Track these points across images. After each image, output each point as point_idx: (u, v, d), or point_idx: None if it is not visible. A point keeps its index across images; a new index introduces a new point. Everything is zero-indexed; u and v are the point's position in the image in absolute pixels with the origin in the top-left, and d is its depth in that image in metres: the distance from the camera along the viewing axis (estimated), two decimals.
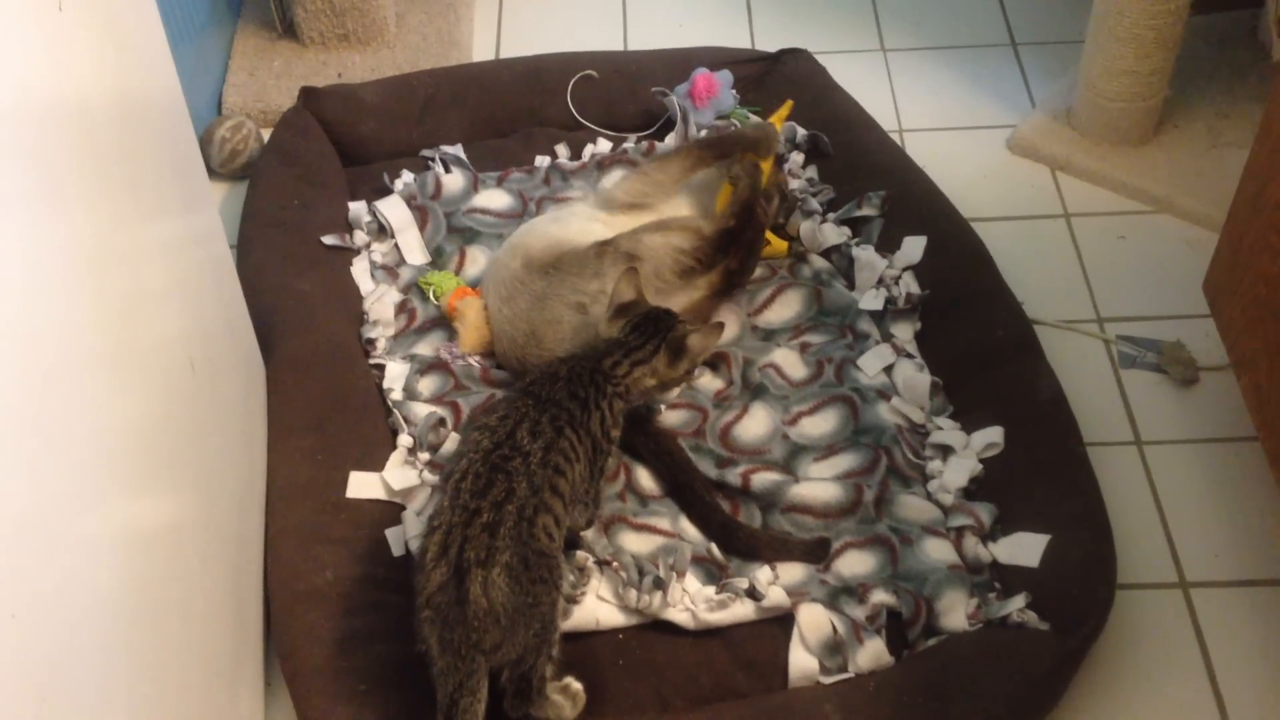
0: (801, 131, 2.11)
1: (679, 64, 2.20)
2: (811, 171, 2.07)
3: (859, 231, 1.96)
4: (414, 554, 1.57)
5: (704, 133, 2.08)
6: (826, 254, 1.95)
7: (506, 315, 1.77)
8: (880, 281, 1.87)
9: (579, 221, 1.83)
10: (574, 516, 1.49)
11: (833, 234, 1.95)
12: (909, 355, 1.80)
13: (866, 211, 1.96)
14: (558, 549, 1.40)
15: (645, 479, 1.66)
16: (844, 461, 1.68)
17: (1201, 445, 1.77)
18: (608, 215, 1.86)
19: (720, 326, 1.62)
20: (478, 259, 1.96)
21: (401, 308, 1.90)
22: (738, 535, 1.60)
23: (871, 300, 1.85)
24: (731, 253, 1.80)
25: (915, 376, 1.76)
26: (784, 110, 2.01)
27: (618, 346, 1.56)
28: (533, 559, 1.34)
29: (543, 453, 1.40)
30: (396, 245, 1.99)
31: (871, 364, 1.79)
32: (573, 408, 1.47)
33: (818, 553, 1.58)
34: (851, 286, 1.90)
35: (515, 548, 1.33)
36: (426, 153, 2.13)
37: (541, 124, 2.19)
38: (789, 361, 1.80)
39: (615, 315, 1.60)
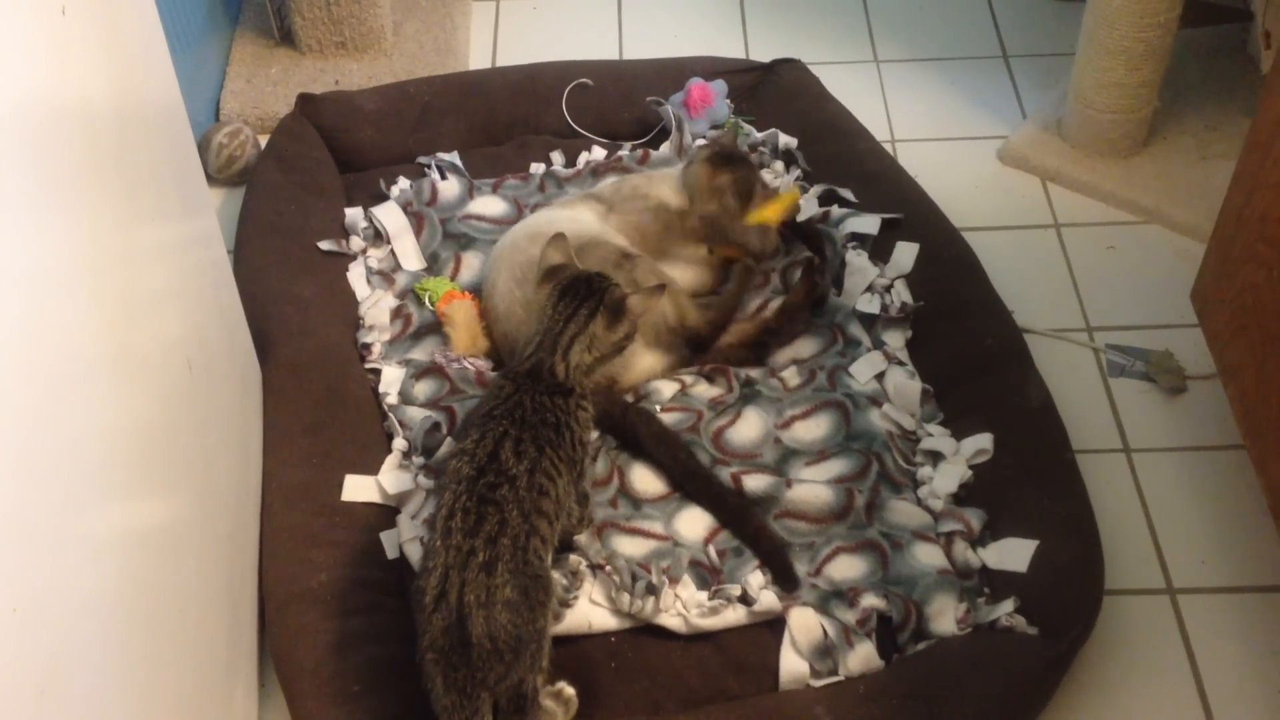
0: (785, 138, 2.13)
1: (674, 73, 2.22)
2: (796, 172, 2.10)
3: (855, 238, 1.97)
4: (408, 558, 1.58)
5: (698, 142, 2.09)
6: (817, 248, 1.96)
7: (519, 297, 1.76)
8: (870, 288, 1.88)
9: (593, 220, 1.85)
10: (566, 521, 1.48)
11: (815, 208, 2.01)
12: (900, 363, 1.81)
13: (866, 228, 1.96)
14: (548, 566, 1.39)
15: (638, 482, 1.67)
16: (835, 466, 1.69)
17: (1189, 453, 1.78)
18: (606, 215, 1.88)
19: (661, 288, 1.53)
20: (473, 265, 1.97)
21: (397, 313, 1.91)
22: (748, 522, 1.61)
23: (867, 303, 1.86)
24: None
25: (906, 383, 1.77)
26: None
27: (551, 343, 1.46)
28: (530, 585, 1.34)
29: (528, 475, 1.37)
30: (392, 251, 2.00)
31: (863, 371, 1.80)
32: (546, 432, 1.42)
33: (788, 578, 1.56)
34: (840, 291, 1.91)
35: (514, 580, 1.32)
36: (423, 159, 2.14)
37: (537, 132, 2.20)
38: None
39: (543, 279, 1.53)
